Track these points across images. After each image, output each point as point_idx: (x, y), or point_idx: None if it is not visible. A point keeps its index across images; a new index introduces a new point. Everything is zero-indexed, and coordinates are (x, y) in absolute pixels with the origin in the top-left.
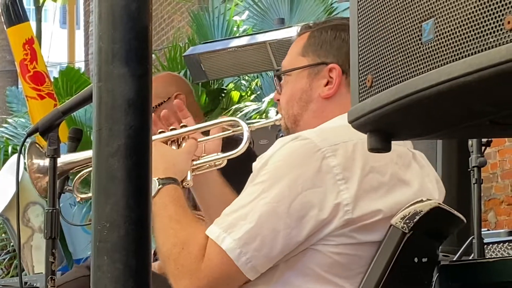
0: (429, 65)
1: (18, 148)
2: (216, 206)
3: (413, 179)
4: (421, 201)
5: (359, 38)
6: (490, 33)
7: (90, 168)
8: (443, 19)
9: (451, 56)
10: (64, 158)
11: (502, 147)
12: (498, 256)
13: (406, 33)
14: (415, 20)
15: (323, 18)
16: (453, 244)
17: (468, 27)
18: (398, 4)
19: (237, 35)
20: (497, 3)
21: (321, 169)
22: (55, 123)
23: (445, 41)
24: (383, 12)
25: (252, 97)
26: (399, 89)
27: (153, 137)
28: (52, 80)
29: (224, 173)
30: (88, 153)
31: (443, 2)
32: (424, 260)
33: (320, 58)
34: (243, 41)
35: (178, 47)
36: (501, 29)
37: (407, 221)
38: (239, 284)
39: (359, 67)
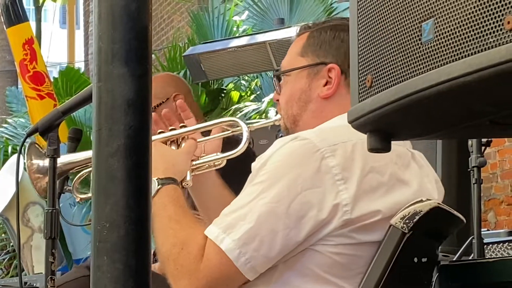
0: (429, 65)
1: (18, 148)
2: (215, 208)
3: (412, 179)
4: (421, 201)
5: (359, 38)
6: (490, 33)
7: (90, 168)
8: (443, 19)
9: (451, 56)
10: (64, 158)
11: (502, 147)
12: (498, 256)
13: (406, 33)
14: (415, 20)
15: (323, 18)
16: (453, 244)
17: (468, 27)
18: (398, 4)
19: (237, 35)
20: (496, 3)
21: (320, 169)
22: (55, 123)
23: (445, 41)
24: (383, 12)
25: (252, 97)
26: (399, 89)
27: (153, 137)
28: (51, 80)
29: (223, 173)
30: (87, 153)
31: (443, 2)
32: (424, 260)
33: (319, 58)
34: (243, 41)
35: (178, 47)
36: (501, 29)
37: (407, 221)
38: (238, 284)
39: (359, 67)
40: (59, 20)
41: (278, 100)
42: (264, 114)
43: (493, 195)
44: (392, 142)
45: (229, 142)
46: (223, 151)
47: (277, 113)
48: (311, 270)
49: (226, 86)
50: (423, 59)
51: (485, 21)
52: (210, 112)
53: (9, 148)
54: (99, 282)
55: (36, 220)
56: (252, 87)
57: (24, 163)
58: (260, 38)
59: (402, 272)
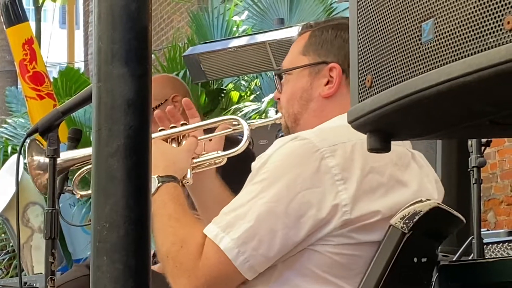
0: (428, 65)
1: (18, 148)
2: (214, 208)
3: (412, 179)
4: (421, 201)
5: (359, 38)
6: (490, 33)
7: (90, 165)
8: (443, 19)
9: (451, 56)
10: (64, 155)
11: (501, 147)
12: (497, 256)
13: (405, 33)
14: (415, 20)
15: (323, 18)
16: (453, 244)
17: (468, 27)
18: (398, 4)
19: (237, 35)
20: (496, 3)
21: (319, 169)
22: (54, 124)
23: (445, 41)
24: (383, 12)
25: (252, 97)
26: (399, 89)
27: (153, 135)
28: (51, 80)
29: (223, 173)
30: (88, 151)
31: (443, 2)
32: (424, 260)
33: (320, 57)
34: (243, 41)
35: (178, 47)
36: (500, 29)
37: (407, 221)
38: (237, 284)
39: (359, 67)
40: (59, 20)
41: (279, 99)
42: (264, 114)
43: (493, 195)
44: (392, 143)
45: (229, 142)
46: (223, 150)
47: (277, 112)
48: (310, 270)
49: (225, 86)
50: (423, 59)
51: (485, 21)
52: (210, 112)
53: (9, 148)
54: (98, 282)
55: (36, 220)
56: (252, 87)
57: (25, 163)
58: (260, 38)
59: (402, 272)
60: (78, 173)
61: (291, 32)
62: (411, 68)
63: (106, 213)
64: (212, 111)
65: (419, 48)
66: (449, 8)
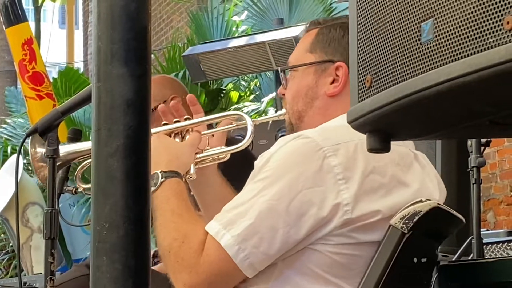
0: (428, 65)
1: (17, 148)
2: (215, 205)
3: (414, 180)
4: (420, 201)
5: (358, 38)
6: (489, 33)
7: None
8: (442, 19)
9: (450, 56)
10: (68, 148)
11: (501, 147)
12: (497, 256)
13: (405, 33)
14: (414, 20)
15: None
16: (452, 244)
17: (467, 27)
18: (397, 4)
19: (236, 35)
20: (496, 3)
21: (322, 168)
22: (54, 124)
23: (444, 41)
24: (382, 12)
25: (251, 97)
26: (399, 89)
27: (157, 129)
28: (51, 80)
29: (224, 170)
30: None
31: (442, 2)
32: (424, 260)
33: (327, 55)
34: (242, 41)
35: (177, 47)
36: (500, 29)
37: (406, 221)
38: (237, 281)
39: (358, 67)
40: (58, 20)
41: (284, 95)
42: (263, 114)
43: (493, 195)
44: (395, 143)
45: (227, 142)
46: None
47: (277, 108)
48: (310, 269)
49: (225, 86)
50: (423, 59)
51: (484, 21)
52: (209, 112)
53: (9, 149)
54: (98, 283)
55: (36, 220)
56: (251, 87)
57: (24, 163)
58: (260, 38)
59: (402, 272)
60: (81, 166)
61: (291, 32)
62: (411, 68)
63: (105, 213)
64: (211, 111)
65: (419, 48)
66: (448, 8)
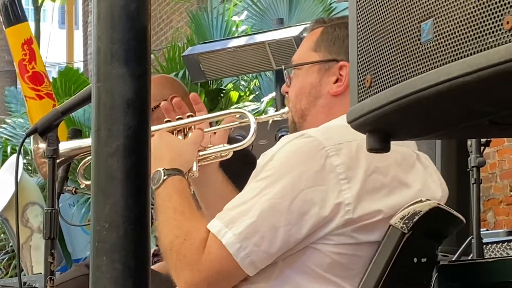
0: (428, 65)
1: (17, 148)
2: (216, 203)
3: (415, 180)
4: (420, 201)
5: (358, 38)
6: (489, 33)
7: None
8: (442, 19)
9: (450, 56)
10: (70, 144)
11: (501, 147)
12: (497, 256)
13: (405, 33)
14: (414, 20)
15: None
16: (452, 244)
17: (467, 27)
18: (397, 4)
19: (236, 35)
20: (496, 3)
21: (324, 168)
22: (54, 124)
23: (444, 41)
24: (382, 12)
25: (251, 97)
26: (398, 89)
27: (159, 126)
28: (50, 80)
29: (224, 169)
30: None
31: (442, 2)
32: (424, 260)
33: (331, 54)
34: (242, 41)
35: (177, 47)
36: (500, 29)
37: (406, 221)
38: (238, 280)
39: (358, 67)
40: (58, 20)
41: (287, 92)
42: (263, 114)
43: (492, 195)
44: (397, 144)
45: (228, 142)
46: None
47: (277, 108)
48: (311, 269)
49: (225, 86)
50: (422, 59)
51: (484, 21)
52: (209, 112)
53: (8, 149)
54: (98, 282)
55: (35, 220)
56: (251, 87)
57: (24, 163)
58: (259, 38)
59: (402, 272)
60: (83, 162)
61: (291, 32)
62: (411, 68)
63: (105, 213)
64: (211, 111)
65: (419, 48)
66: (448, 8)
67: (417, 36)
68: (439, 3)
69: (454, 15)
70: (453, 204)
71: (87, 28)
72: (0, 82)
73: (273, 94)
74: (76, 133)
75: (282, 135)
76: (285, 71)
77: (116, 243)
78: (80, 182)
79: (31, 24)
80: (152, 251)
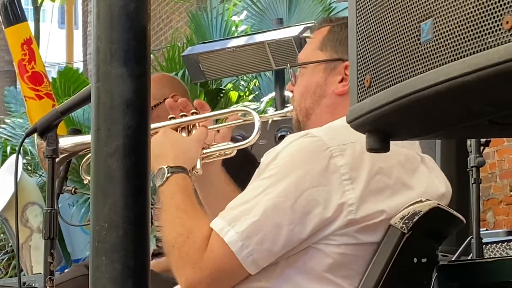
0: (427, 65)
1: (17, 148)
2: (218, 202)
3: (419, 183)
4: (420, 201)
5: (358, 38)
6: (489, 33)
7: None
8: (442, 19)
9: (450, 56)
10: (74, 140)
11: (500, 147)
12: (496, 256)
13: (404, 33)
14: (414, 20)
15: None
16: (452, 244)
17: (467, 27)
18: (397, 4)
19: (236, 35)
20: (495, 3)
21: (328, 168)
22: (53, 123)
23: (444, 41)
24: (382, 12)
25: (251, 97)
26: (398, 89)
27: (163, 123)
28: (50, 80)
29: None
30: None
31: (442, 2)
32: (424, 260)
33: (337, 54)
34: (242, 41)
35: (177, 47)
36: (499, 29)
37: (406, 221)
38: (240, 278)
39: (358, 67)
40: (58, 20)
41: (292, 91)
42: (262, 114)
43: (492, 195)
44: (402, 146)
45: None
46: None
47: (277, 108)
48: (312, 269)
49: (224, 86)
50: (422, 59)
51: (484, 21)
52: None
53: (8, 149)
54: (98, 282)
55: (35, 220)
56: (251, 87)
57: (23, 163)
58: (259, 38)
59: (402, 272)
60: (86, 158)
61: (290, 32)
62: (410, 68)
63: (105, 213)
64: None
65: (418, 48)
66: (448, 8)
67: (416, 36)
68: (439, 3)
69: (454, 15)
70: (453, 204)
71: (87, 28)
72: None
73: (273, 94)
74: (76, 133)
75: (282, 135)
76: (291, 70)
77: (116, 243)
78: (83, 178)
79: (31, 24)
80: (151, 251)
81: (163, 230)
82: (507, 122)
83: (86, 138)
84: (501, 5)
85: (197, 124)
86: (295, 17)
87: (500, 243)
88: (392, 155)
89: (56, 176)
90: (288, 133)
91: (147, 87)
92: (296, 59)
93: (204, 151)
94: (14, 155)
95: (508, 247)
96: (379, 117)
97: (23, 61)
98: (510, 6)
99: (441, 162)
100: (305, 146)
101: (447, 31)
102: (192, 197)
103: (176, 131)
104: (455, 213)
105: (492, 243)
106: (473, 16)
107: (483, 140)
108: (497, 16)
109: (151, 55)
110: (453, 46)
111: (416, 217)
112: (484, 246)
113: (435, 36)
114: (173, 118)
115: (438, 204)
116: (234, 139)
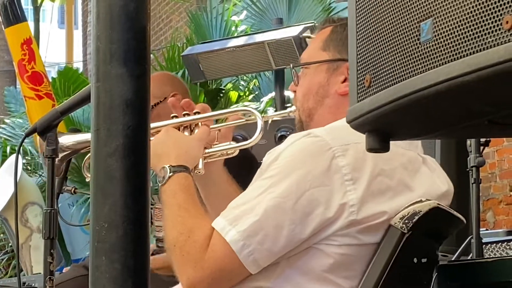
0: (427, 65)
1: (16, 148)
2: (219, 202)
3: (420, 184)
4: (420, 201)
5: (357, 37)
6: (489, 32)
7: None
8: (441, 19)
9: (450, 56)
10: (76, 137)
11: (500, 147)
12: (496, 256)
13: (404, 33)
14: (413, 20)
15: (322, 18)
16: (452, 244)
17: (467, 27)
18: (396, 3)
19: (235, 35)
20: (495, 2)
21: (330, 168)
22: (53, 123)
23: (444, 41)
24: (381, 12)
25: (250, 97)
26: (398, 89)
27: (166, 122)
28: (50, 80)
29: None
30: None
31: (441, 2)
32: (424, 260)
33: (340, 54)
34: (241, 41)
35: (176, 47)
36: (499, 29)
37: (406, 221)
38: (241, 278)
39: (357, 67)
40: (58, 20)
41: (295, 91)
42: (262, 114)
43: (492, 195)
44: (403, 147)
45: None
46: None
47: (277, 108)
48: (313, 269)
49: (224, 86)
50: (422, 59)
51: (483, 21)
52: None
53: (8, 149)
54: (97, 282)
55: (35, 220)
56: (251, 87)
57: (23, 163)
58: (259, 38)
59: (402, 272)
60: (88, 155)
61: (290, 32)
62: (410, 67)
63: (105, 213)
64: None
65: (418, 47)
66: (447, 8)
67: (416, 36)
68: (439, 3)
69: (454, 14)
70: (453, 204)
71: (87, 28)
72: None
73: (273, 94)
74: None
75: (282, 135)
76: (293, 70)
77: (116, 243)
78: (86, 176)
79: (31, 24)
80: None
81: (165, 229)
82: (507, 122)
83: (88, 136)
84: (501, 5)
85: (199, 123)
86: (295, 17)
87: (500, 243)
88: (395, 156)
89: (55, 177)
90: (288, 133)
91: (147, 87)
92: (296, 59)
93: (207, 150)
94: (14, 155)
95: (508, 247)
96: (379, 117)
97: (23, 61)
98: (510, 6)
99: (441, 162)
100: (307, 146)
101: (447, 31)
102: (194, 196)
103: (179, 130)
104: (455, 213)
105: (492, 243)
106: (473, 16)
107: (483, 140)
108: (497, 16)
109: (151, 55)
110: (453, 46)
111: (416, 217)
112: (484, 246)
113: (435, 36)
114: (176, 117)
115: (438, 204)
116: (234, 139)
